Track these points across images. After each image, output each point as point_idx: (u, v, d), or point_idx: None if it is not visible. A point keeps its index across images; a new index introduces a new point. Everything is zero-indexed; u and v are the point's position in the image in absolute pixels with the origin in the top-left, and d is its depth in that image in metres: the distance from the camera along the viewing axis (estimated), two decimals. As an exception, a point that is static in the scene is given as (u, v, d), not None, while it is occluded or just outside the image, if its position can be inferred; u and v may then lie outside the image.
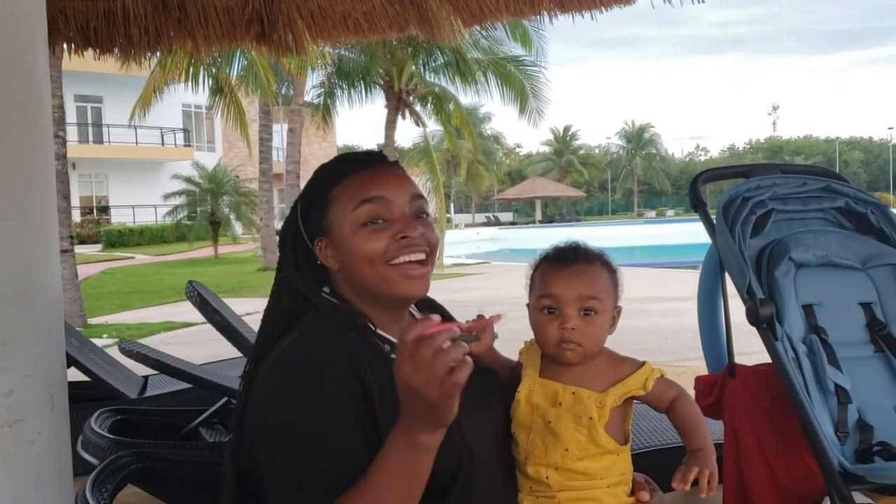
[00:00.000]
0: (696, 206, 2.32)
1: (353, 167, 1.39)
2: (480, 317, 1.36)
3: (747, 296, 2.06)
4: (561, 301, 1.42)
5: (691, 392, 2.38)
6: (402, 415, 1.09)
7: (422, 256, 1.35)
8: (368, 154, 1.46)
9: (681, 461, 1.35)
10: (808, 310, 2.12)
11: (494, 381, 1.47)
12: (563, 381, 1.42)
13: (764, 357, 2.14)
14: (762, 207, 2.23)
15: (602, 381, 1.41)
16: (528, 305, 1.50)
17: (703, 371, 2.49)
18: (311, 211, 1.39)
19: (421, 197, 1.39)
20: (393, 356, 1.30)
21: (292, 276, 1.38)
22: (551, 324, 1.42)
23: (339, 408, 1.22)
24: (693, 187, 2.34)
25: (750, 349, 2.58)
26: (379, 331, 1.35)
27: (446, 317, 1.53)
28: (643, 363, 1.43)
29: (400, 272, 1.33)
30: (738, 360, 2.23)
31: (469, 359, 1.04)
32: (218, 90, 17.41)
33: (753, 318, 2.04)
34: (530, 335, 1.54)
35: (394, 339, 1.34)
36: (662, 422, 2.50)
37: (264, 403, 1.27)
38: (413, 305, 1.49)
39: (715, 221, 2.23)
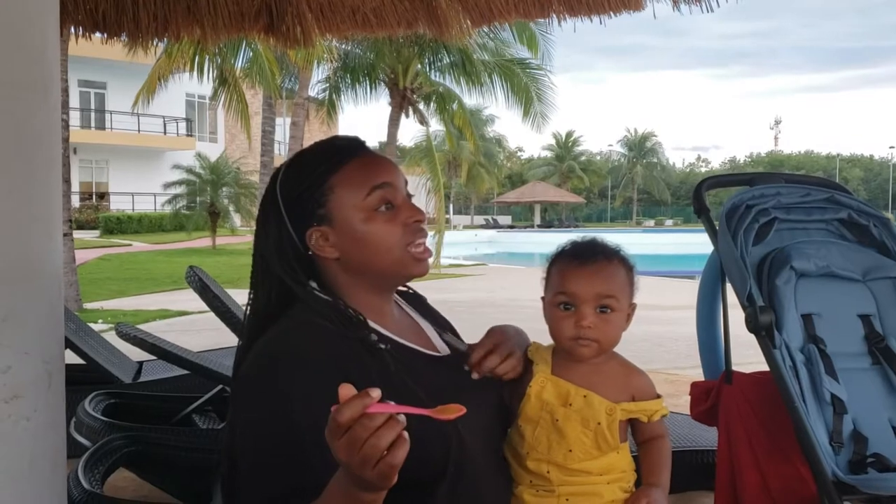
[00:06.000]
0: (700, 211, 2.33)
1: (347, 155, 1.37)
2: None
3: (747, 303, 2.06)
4: (578, 298, 1.41)
5: (687, 398, 2.40)
6: (342, 474, 1.03)
7: (426, 238, 1.41)
8: (351, 140, 1.43)
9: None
10: (807, 319, 2.12)
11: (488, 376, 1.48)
12: (574, 382, 1.41)
13: (761, 369, 2.14)
14: (765, 216, 2.23)
15: (614, 389, 1.41)
16: (542, 299, 1.49)
17: (697, 380, 2.49)
18: (301, 201, 1.35)
19: (405, 180, 1.43)
20: (381, 346, 1.31)
21: (280, 271, 1.35)
22: (567, 320, 1.42)
23: (314, 419, 1.16)
24: (697, 193, 2.35)
25: (747, 360, 2.58)
26: (370, 323, 1.34)
27: (438, 317, 1.55)
28: (658, 396, 1.45)
29: (414, 255, 1.37)
30: (734, 369, 2.23)
31: (406, 435, 0.98)
32: (222, 81, 17.40)
33: (752, 325, 2.04)
34: (533, 335, 1.55)
35: (382, 330, 1.36)
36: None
37: (242, 401, 1.28)
38: (399, 296, 1.51)
39: (718, 227, 2.24)
